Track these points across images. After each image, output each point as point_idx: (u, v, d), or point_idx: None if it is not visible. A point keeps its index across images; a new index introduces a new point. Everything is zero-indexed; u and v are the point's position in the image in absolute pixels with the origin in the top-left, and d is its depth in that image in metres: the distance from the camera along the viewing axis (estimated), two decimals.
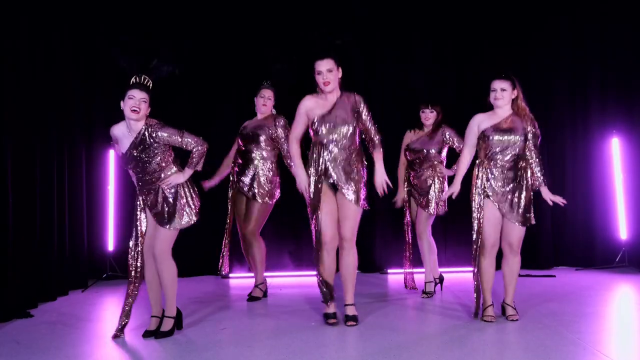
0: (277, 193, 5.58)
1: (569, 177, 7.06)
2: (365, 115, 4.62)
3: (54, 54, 5.91)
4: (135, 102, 4.20)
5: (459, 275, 6.59)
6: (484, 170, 4.64)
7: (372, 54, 7.01)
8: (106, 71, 6.73)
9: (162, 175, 4.36)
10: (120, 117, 6.66)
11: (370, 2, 6.99)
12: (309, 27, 6.92)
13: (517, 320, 4.62)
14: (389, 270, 6.95)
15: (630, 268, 6.70)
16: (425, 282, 5.63)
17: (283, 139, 5.42)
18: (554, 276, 6.54)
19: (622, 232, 6.86)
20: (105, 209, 6.70)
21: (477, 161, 4.72)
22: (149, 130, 4.25)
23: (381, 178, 4.61)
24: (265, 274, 5.83)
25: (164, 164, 4.34)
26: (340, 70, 4.61)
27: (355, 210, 4.61)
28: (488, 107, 4.73)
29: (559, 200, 4.67)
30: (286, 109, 6.19)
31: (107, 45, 6.72)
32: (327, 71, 4.52)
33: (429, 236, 5.60)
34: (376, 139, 4.66)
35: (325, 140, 4.58)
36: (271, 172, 5.51)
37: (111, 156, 6.70)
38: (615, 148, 6.89)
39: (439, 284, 5.72)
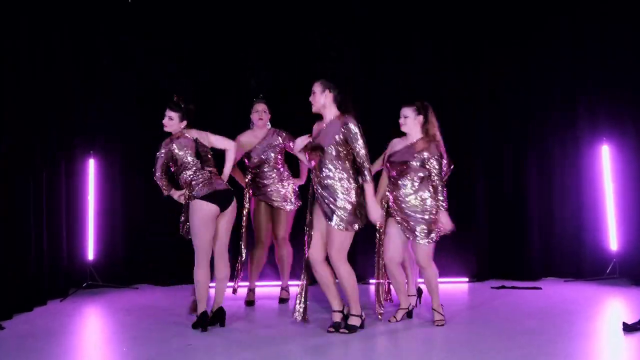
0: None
1: (557, 183, 6.92)
2: (352, 140, 4.61)
3: (54, 54, 5.91)
4: (165, 119, 5.02)
5: (441, 287, 6.42)
6: (389, 192, 4.93)
7: (372, 54, 6.99)
8: (106, 71, 6.71)
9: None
10: (114, 120, 6.76)
11: (370, 2, 6.98)
12: (309, 27, 6.91)
13: (443, 325, 4.78)
14: (371, 280, 6.77)
15: (621, 280, 6.48)
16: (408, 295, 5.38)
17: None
18: (540, 288, 6.35)
19: (613, 242, 6.64)
20: (85, 217, 6.64)
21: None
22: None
23: (376, 214, 4.66)
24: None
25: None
26: (329, 93, 4.70)
27: (338, 232, 4.63)
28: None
29: (449, 228, 4.83)
30: (287, 109, 6.22)
31: (107, 45, 6.72)
32: (312, 92, 4.74)
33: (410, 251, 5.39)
34: (364, 169, 4.60)
35: (312, 164, 4.72)
36: (290, 179, 5.81)
37: (91, 165, 6.67)
38: (605, 156, 6.70)
39: (418, 297, 5.54)
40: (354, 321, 4.69)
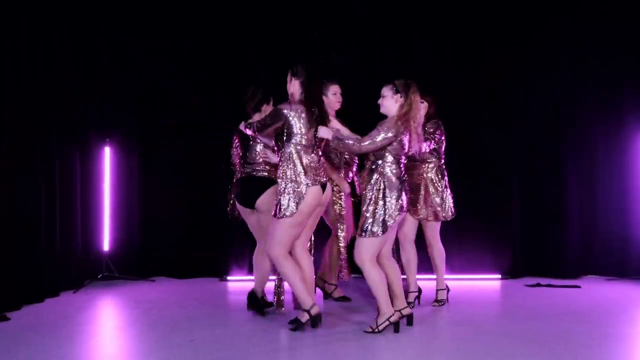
0: None
1: (599, 176, 6.70)
2: None
3: (54, 54, 5.90)
4: None
5: (472, 284, 6.42)
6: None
7: (372, 54, 6.97)
8: (106, 71, 6.70)
9: None
10: (113, 117, 6.77)
11: (370, 2, 6.96)
12: (309, 27, 6.90)
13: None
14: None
15: None
16: (437, 290, 5.39)
17: None
18: (579, 287, 6.06)
19: None
20: (101, 208, 6.63)
21: None
22: None
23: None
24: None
25: None
26: (291, 81, 4.68)
27: (273, 222, 4.61)
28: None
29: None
30: None
31: (107, 45, 6.71)
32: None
33: (439, 243, 5.32)
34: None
35: None
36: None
37: (107, 154, 6.66)
38: None
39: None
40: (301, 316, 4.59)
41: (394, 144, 4.43)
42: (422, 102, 5.08)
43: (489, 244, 6.72)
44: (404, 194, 4.46)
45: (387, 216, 4.37)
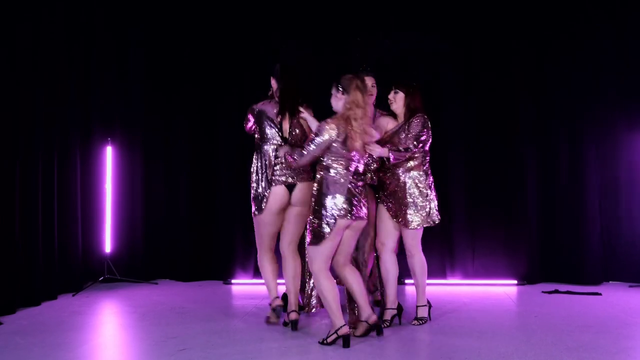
0: None
1: (620, 175, 6.29)
2: None
3: (55, 53, 5.80)
4: None
5: (486, 290, 6.15)
6: None
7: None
8: (104, 65, 6.56)
9: None
10: (114, 117, 6.64)
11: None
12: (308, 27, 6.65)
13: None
14: (406, 281, 6.22)
15: None
16: (418, 307, 4.78)
17: None
18: (600, 294, 5.74)
19: None
20: (102, 208, 6.49)
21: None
22: None
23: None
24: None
25: None
26: (272, 80, 4.77)
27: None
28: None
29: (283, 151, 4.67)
30: None
31: (109, 45, 6.57)
32: None
33: (421, 253, 4.73)
34: None
35: None
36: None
37: (109, 153, 6.53)
38: None
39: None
40: None
41: (334, 147, 4.16)
42: (397, 93, 4.72)
43: (504, 248, 6.44)
44: (349, 197, 4.15)
45: (324, 222, 4.13)
